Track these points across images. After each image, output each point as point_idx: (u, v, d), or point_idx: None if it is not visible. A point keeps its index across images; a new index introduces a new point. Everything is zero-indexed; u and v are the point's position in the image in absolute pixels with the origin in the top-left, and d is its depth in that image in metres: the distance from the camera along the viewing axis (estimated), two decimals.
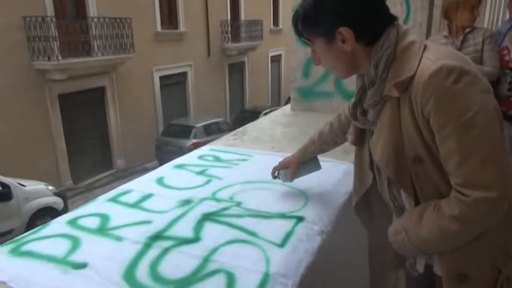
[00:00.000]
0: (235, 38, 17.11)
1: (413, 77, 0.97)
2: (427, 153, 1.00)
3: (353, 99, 1.19)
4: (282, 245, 1.30)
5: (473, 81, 0.93)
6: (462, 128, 0.91)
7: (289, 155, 2.14)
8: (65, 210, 7.77)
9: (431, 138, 0.97)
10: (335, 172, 1.92)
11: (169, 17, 14.40)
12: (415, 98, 0.96)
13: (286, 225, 1.42)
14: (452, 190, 0.97)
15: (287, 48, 18.36)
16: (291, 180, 1.70)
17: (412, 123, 0.99)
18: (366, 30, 1.04)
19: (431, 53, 0.98)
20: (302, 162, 1.67)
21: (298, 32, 1.15)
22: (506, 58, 2.71)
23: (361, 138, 1.26)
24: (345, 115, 1.50)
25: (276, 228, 1.40)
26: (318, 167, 1.72)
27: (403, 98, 1.01)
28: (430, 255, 1.14)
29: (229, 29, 16.78)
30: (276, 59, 21.41)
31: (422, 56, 0.98)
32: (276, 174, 1.73)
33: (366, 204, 1.35)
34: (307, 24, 1.10)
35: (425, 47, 1.01)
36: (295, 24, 1.14)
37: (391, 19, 1.06)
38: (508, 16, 3.41)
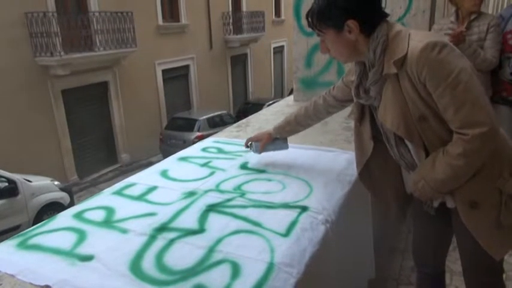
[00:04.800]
0: (237, 29, 17.02)
1: (405, 55, 1.23)
2: (429, 111, 1.25)
3: (354, 83, 1.45)
4: (286, 234, 1.30)
5: (451, 50, 1.20)
6: (452, 85, 1.17)
7: (292, 144, 2.15)
8: (71, 205, 7.82)
9: (430, 98, 1.23)
10: (339, 161, 1.92)
11: (171, 10, 14.34)
12: (411, 70, 1.22)
13: (290, 215, 1.42)
14: (454, 134, 1.22)
15: (289, 39, 18.25)
16: (259, 153, 1.92)
17: (412, 90, 1.25)
18: (368, 22, 1.29)
19: (416, 36, 1.25)
20: (273, 139, 1.91)
21: (312, 25, 1.37)
22: (510, 42, 2.67)
23: (362, 116, 1.52)
24: (323, 99, 1.77)
25: (280, 218, 1.40)
26: (285, 146, 1.94)
27: (400, 73, 1.26)
28: (445, 194, 1.35)
29: (231, 20, 16.69)
30: (279, 50, 21.30)
31: (409, 39, 1.25)
32: (248, 145, 1.97)
33: (367, 172, 1.60)
34: (321, 17, 1.33)
35: (409, 34, 1.27)
36: (310, 18, 1.37)
37: (384, 15, 1.33)
38: None
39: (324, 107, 1.77)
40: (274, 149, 1.93)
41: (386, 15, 1.33)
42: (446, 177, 1.26)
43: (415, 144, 1.32)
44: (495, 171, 1.27)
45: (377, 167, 1.57)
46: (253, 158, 1.99)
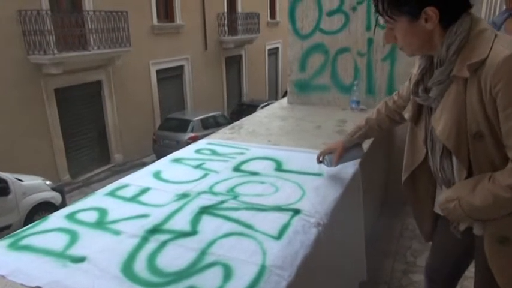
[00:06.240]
0: (232, 30, 17.02)
1: (485, 60, 1.07)
2: (488, 129, 1.10)
3: (415, 78, 1.30)
4: (278, 237, 1.31)
5: None
6: None
7: (283, 147, 2.15)
8: (62, 205, 7.77)
9: (494, 116, 1.08)
10: None
11: (166, 10, 14.31)
12: (485, 79, 1.06)
13: (282, 217, 1.43)
14: (509, 163, 1.08)
15: (284, 41, 18.26)
16: (335, 166, 1.77)
17: (478, 102, 1.09)
18: (450, 12, 1.12)
19: (503, 41, 1.08)
20: (346, 149, 1.76)
21: (381, 10, 1.20)
22: None
23: (418, 115, 1.36)
24: (393, 100, 1.62)
25: (272, 221, 1.41)
26: (361, 153, 1.81)
27: (471, 79, 1.10)
28: (475, 220, 1.24)
29: (226, 21, 16.69)
30: (273, 52, 21.33)
31: (493, 42, 1.08)
32: (321, 159, 1.82)
33: (412, 179, 1.45)
34: (395, 2, 1.15)
35: (496, 36, 1.10)
36: (380, 2, 1.19)
37: (469, 5, 1.14)
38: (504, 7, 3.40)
39: (393, 107, 1.62)
40: (350, 159, 1.80)
41: (470, 6, 1.15)
42: (485, 206, 1.14)
43: (460, 160, 1.20)
44: None
45: (424, 176, 1.41)
46: (327, 170, 1.84)
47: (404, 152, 1.45)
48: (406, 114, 1.39)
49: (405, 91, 1.53)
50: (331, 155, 1.77)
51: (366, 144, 2.34)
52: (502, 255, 1.20)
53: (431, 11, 1.10)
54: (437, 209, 1.39)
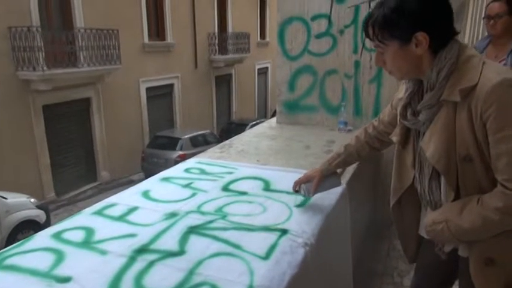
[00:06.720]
0: (223, 50, 17.22)
1: (475, 86, 1.10)
2: (477, 153, 1.13)
3: (403, 102, 1.32)
4: (266, 257, 1.32)
5: None
6: None
7: (271, 167, 2.16)
8: (47, 223, 7.63)
9: (484, 140, 1.11)
10: None
11: (157, 28, 14.44)
12: (475, 104, 1.10)
13: (270, 237, 1.44)
14: (498, 186, 1.11)
15: (274, 61, 18.52)
16: (312, 195, 1.70)
17: (468, 126, 1.13)
18: (439, 37, 1.16)
19: (492, 68, 1.12)
20: (324, 176, 1.68)
21: (372, 35, 1.22)
22: None
23: (405, 139, 1.38)
24: (373, 126, 1.62)
25: (260, 241, 1.41)
26: (339, 182, 1.76)
27: (461, 104, 1.14)
28: (462, 242, 1.25)
29: (217, 41, 16.89)
30: (263, 72, 21.57)
31: (482, 69, 1.12)
32: (297, 188, 1.73)
33: (398, 204, 1.46)
34: (386, 27, 1.17)
35: (484, 62, 1.14)
36: (370, 26, 1.21)
37: (455, 32, 1.19)
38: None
39: (373, 134, 1.61)
40: (328, 188, 1.72)
41: (457, 33, 1.19)
42: (473, 228, 1.16)
43: (449, 183, 1.22)
44: None
45: (411, 199, 1.42)
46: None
47: (392, 176, 1.46)
48: (394, 138, 1.41)
49: (386, 116, 1.54)
50: (308, 184, 1.68)
51: (353, 164, 2.38)
52: (487, 276, 1.22)
53: (421, 36, 1.14)
54: (422, 232, 1.40)
